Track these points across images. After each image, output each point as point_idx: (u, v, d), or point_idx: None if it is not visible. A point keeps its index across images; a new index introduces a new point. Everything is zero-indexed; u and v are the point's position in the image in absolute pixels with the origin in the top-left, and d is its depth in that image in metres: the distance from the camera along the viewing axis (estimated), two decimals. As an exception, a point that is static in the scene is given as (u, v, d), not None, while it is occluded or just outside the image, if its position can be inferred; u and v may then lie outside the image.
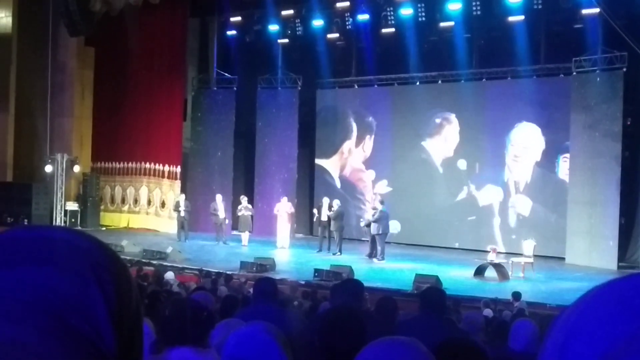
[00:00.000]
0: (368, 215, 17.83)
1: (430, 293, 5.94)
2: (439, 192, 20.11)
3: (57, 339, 0.66)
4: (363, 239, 19.34)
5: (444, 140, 20.11)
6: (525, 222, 18.59)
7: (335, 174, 22.19)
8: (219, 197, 19.79)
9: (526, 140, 18.86)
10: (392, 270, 15.76)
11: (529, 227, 18.20)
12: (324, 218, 18.21)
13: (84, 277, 0.71)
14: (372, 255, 17.32)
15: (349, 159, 21.99)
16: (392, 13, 19.47)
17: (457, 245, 19.36)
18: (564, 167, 18.20)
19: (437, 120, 20.16)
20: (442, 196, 20.03)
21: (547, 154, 18.56)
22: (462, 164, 19.77)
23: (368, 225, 17.52)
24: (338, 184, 21.95)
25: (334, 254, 17.66)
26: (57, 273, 0.70)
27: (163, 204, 22.17)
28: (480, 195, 19.43)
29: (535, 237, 16.79)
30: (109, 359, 0.69)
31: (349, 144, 21.96)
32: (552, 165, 18.60)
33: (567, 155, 17.83)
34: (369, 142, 21.59)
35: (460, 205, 19.77)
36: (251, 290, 8.06)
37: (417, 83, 20.49)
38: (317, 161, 22.41)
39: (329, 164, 22.29)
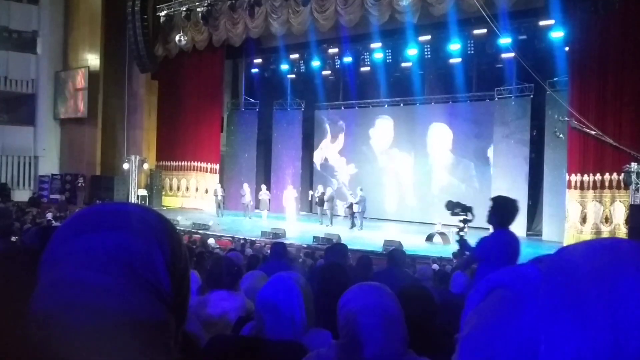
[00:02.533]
0: (350, 198, 17.88)
1: (395, 253, 5.95)
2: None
3: (129, 282, 0.66)
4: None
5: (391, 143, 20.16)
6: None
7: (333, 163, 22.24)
8: (245, 186, 19.87)
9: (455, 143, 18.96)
10: (368, 237, 15.75)
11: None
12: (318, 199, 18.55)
13: (149, 240, 0.71)
14: (353, 226, 17.36)
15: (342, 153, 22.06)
16: (368, 56, 19.42)
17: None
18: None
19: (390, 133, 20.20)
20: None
21: (479, 154, 18.61)
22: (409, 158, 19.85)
23: (350, 206, 17.61)
24: (336, 172, 21.97)
25: (327, 226, 17.71)
26: (130, 236, 0.70)
27: (206, 191, 22.16)
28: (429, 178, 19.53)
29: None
30: (166, 297, 0.69)
31: (333, 145, 22.01)
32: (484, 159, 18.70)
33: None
34: (348, 143, 21.59)
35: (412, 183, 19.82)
36: (268, 251, 8.07)
37: (385, 106, 20.48)
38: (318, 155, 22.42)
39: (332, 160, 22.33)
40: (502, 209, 4.27)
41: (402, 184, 19.97)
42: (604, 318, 0.44)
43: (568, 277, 0.48)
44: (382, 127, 20.63)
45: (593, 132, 13.72)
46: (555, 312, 0.45)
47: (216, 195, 20.13)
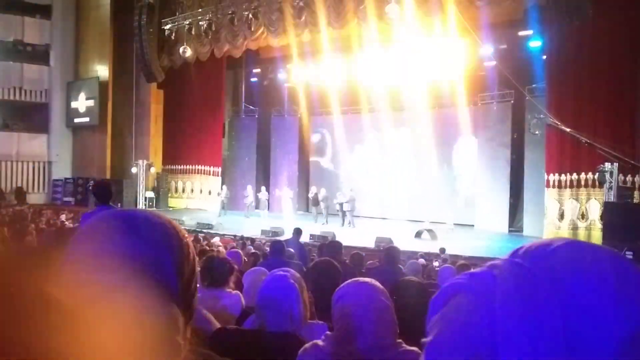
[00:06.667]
0: (341, 198, 17.68)
1: (391, 250, 5.93)
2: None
3: (140, 283, 0.67)
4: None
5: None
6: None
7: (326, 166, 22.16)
8: (249, 188, 19.91)
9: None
10: (360, 234, 15.67)
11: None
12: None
13: (158, 243, 0.72)
14: (343, 224, 17.29)
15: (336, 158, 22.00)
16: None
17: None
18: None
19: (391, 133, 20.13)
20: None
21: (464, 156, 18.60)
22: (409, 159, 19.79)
23: (341, 204, 17.51)
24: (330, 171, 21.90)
25: (322, 224, 17.67)
26: (141, 241, 0.71)
27: (209, 192, 22.12)
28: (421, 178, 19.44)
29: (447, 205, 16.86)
30: (174, 296, 0.70)
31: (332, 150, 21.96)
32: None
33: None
34: (343, 147, 21.51)
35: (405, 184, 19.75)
36: (268, 248, 8.06)
37: (377, 112, 20.30)
38: (314, 159, 22.34)
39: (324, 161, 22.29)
40: (100, 190, 4.88)
41: (392, 184, 19.93)
42: (555, 318, 0.45)
43: (521, 280, 0.48)
44: (373, 131, 20.58)
45: (568, 130, 13.79)
46: (509, 314, 0.46)
47: (219, 194, 20.18)
